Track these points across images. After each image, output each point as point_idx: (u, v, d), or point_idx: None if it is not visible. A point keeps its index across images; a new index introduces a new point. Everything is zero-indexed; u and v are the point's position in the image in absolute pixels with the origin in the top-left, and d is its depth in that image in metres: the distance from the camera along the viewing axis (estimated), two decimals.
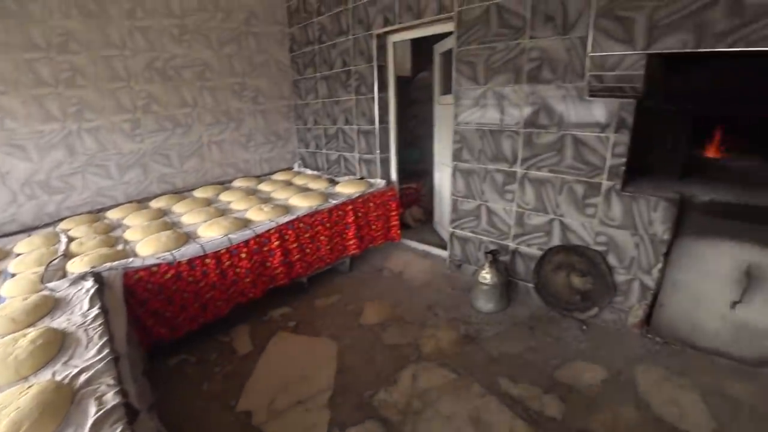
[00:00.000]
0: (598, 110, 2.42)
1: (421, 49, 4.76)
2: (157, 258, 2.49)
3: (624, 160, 2.38)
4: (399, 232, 3.80)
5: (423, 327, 2.80)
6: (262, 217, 3.14)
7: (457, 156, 3.09)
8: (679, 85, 2.50)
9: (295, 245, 3.13)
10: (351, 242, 3.47)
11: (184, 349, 2.65)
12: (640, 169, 2.66)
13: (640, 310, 2.57)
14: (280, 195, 3.70)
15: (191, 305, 2.62)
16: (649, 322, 2.60)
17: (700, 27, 2.02)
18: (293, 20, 4.52)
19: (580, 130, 2.50)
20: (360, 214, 3.51)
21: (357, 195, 3.51)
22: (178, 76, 3.92)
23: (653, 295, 2.53)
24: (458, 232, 3.25)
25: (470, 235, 3.17)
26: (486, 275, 2.84)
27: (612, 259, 2.57)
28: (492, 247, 3.06)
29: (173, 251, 2.57)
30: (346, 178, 4.00)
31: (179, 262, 2.54)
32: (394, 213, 3.73)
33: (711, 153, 2.79)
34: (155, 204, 3.70)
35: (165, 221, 3.17)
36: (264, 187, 4.08)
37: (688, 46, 2.06)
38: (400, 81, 5.11)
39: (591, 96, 2.39)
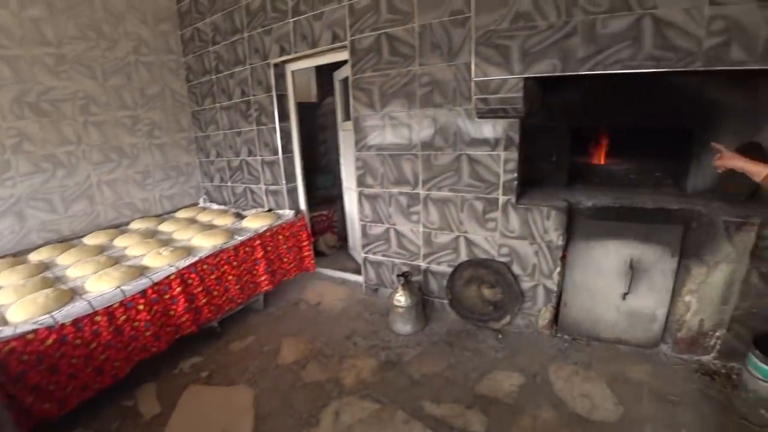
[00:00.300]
0: (488, 130, 2.52)
1: (327, 74, 4.74)
2: (33, 323, 2.11)
3: (515, 175, 2.50)
4: (313, 261, 3.66)
5: (343, 359, 2.67)
6: (160, 263, 2.83)
7: (361, 181, 3.05)
8: (557, 103, 2.70)
9: (200, 289, 2.86)
10: (262, 278, 3.26)
11: (80, 423, 2.26)
12: (532, 181, 2.81)
13: (548, 312, 2.68)
14: (183, 235, 3.39)
15: (82, 371, 2.24)
16: (557, 322, 2.72)
17: (565, 53, 2.19)
18: (188, 49, 4.27)
19: (473, 149, 2.59)
20: (269, 248, 3.33)
21: (265, 229, 3.32)
22: (57, 111, 3.46)
23: (557, 297, 2.65)
24: (371, 256, 3.20)
25: (382, 258, 3.13)
26: (400, 298, 2.80)
27: (516, 269, 2.67)
28: (404, 269, 3.04)
29: (54, 312, 2.20)
30: (254, 211, 3.80)
31: (62, 324, 2.17)
32: (306, 243, 3.59)
33: (595, 160, 3.05)
34: (35, 257, 3.19)
35: (46, 277, 2.73)
36: (165, 227, 3.72)
37: (557, 70, 2.22)
38: (307, 107, 5.06)
39: (479, 118, 2.49)
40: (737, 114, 2.43)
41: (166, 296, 2.68)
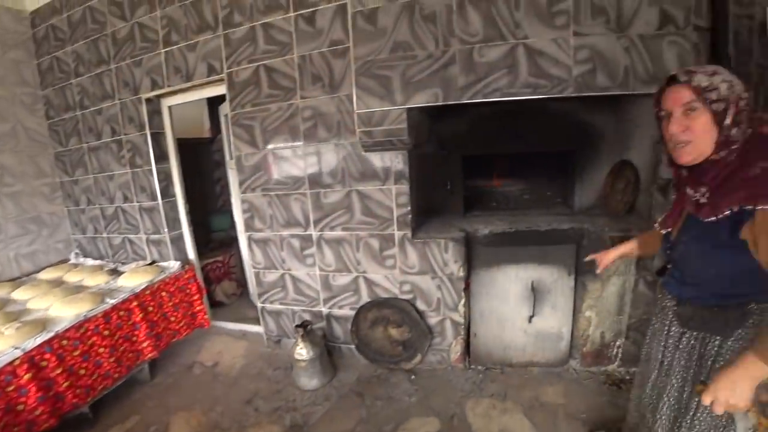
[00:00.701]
0: (376, 164, 2.36)
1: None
2: None
3: (408, 208, 2.35)
4: (207, 316, 3.21)
5: (242, 429, 2.29)
6: (2, 345, 2.25)
7: (249, 225, 2.73)
8: (447, 132, 2.62)
9: (59, 371, 2.32)
10: (145, 345, 2.76)
11: None
12: (429, 211, 2.69)
13: (458, 345, 2.54)
14: (40, 303, 2.78)
15: None
16: (469, 353, 2.59)
17: (445, 82, 2.10)
18: (46, 81, 3.64)
19: (363, 185, 2.40)
20: (151, 309, 2.84)
21: (144, 286, 2.83)
22: None
23: (466, 329, 2.52)
24: (268, 306, 2.86)
25: (281, 307, 2.81)
26: (301, 351, 2.49)
27: (421, 305, 2.50)
28: (305, 316, 2.74)
29: None
30: (134, 265, 3.27)
31: None
32: (196, 297, 3.14)
33: (490, 184, 3.03)
34: None
35: None
36: (20, 293, 3.05)
37: (439, 99, 2.11)
38: (200, 143, 4.60)
39: (366, 151, 2.31)
40: (609, 135, 2.51)
41: (11, 388, 2.13)
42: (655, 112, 1.24)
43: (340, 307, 2.66)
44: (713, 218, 1.07)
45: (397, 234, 2.41)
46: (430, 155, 2.60)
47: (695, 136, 1.09)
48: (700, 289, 1.19)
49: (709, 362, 1.17)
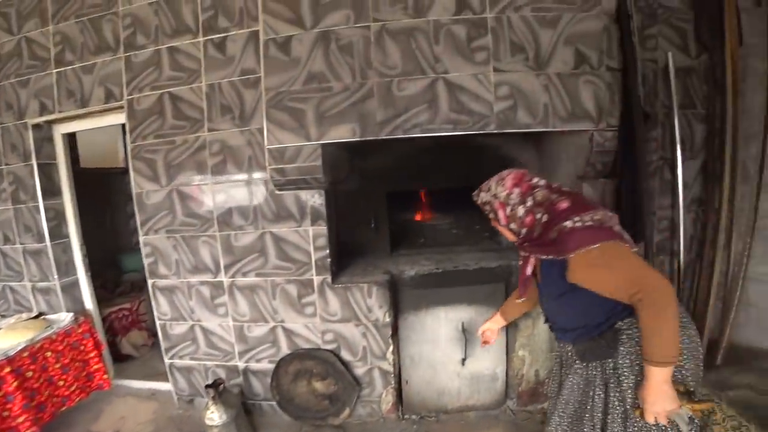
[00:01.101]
0: (291, 204, 2.11)
1: None
2: None
3: (327, 251, 2.11)
4: (108, 375, 2.71)
5: None
6: None
7: (153, 272, 2.35)
8: (370, 168, 2.44)
9: None
10: (21, 420, 2.24)
11: None
12: (353, 251, 2.48)
13: (389, 395, 2.31)
14: None
15: None
16: (402, 403, 2.36)
17: (363, 117, 1.92)
18: None
19: (277, 226, 2.14)
20: (31, 374, 2.34)
21: (21, 347, 2.34)
22: None
23: (396, 377, 2.30)
24: (177, 361, 2.47)
25: (192, 363, 2.44)
26: (213, 415, 2.13)
27: (346, 355, 2.25)
28: (219, 372, 2.39)
29: None
30: (12, 319, 2.73)
31: None
32: (93, 354, 2.64)
33: (418, 218, 2.87)
34: None
35: None
36: None
37: (356, 135, 1.93)
38: (113, 174, 4.09)
39: (279, 190, 2.07)
40: (532, 169, 2.45)
41: None
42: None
43: (258, 361, 2.34)
44: (529, 271, 1.41)
45: (316, 279, 2.16)
46: (352, 192, 2.40)
47: (500, 230, 1.47)
48: (574, 331, 1.35)
49: (613, 382, 1.27)
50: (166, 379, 2.61)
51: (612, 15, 1.96)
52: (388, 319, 2.15)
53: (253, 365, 2.35)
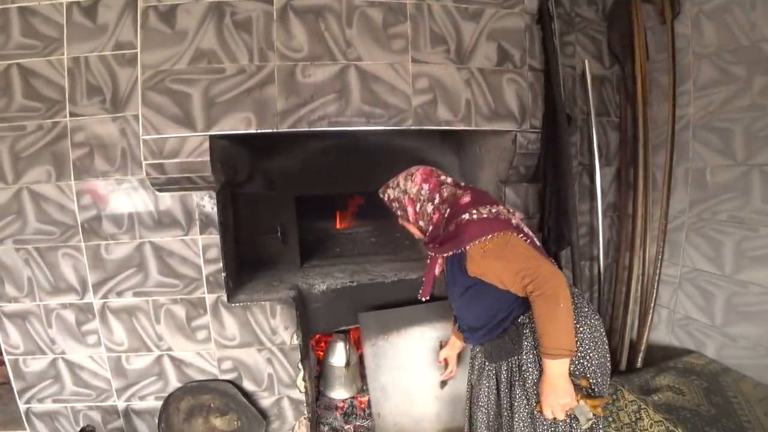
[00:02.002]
0: (175, 208, 1.66)
1: None
2: None
3: (221, 264, 1.69)
4: None
5: None
6: None
7: None
8: (276, 169, 2.05)
9: None
10: None
11: None
12: (258, 264, 2.07)
13: (303, 426, 1.92)
14: None
15: None
16: None
17: (261, 105, 1.54)
18: None
19: (159, 234, 1.68)
20: None
21: None
22: None
23: (310, 407, 1.92)
24: (36, 406, 1.88)
25: (56, 406, 1.86)
26: None
27: (249, 385, 1.82)
28: (93, 415, 1.84)
29: None
30: None
31: None
32: None
33: (332, 227, 2.53)
34: None
35: None
36: None
37: (252, 126, 1.54)
38: None
39: (159, 191, 1.63)
40: (454, 174, 2.23)
41: None
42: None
43: (142, 398, 1.83)
44: (437, 272, 1.34)
45: (209, 298, 1.72)
46: (255, 196, 2.00)
47: (407, 228, 1.38)
48: (480, 330, 1.27)
49: (518, 379, 1.21)
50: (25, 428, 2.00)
51: (534, 15, 1.79)
52: (296, 341, 1.77)
53: (136, 404, 1.83)
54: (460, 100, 1.67)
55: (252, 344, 1.76)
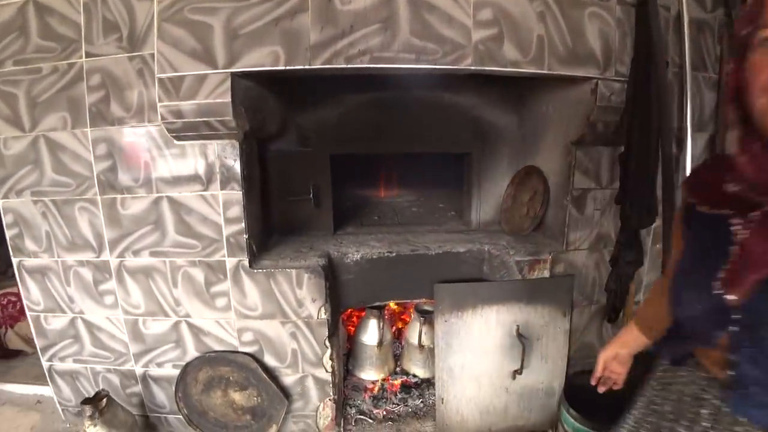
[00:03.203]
0: (193, 159, 1.42)
1: None
2: None
3: (243, 225, 1.44)
4: None
5: None
6: None
7: (17, 247, 1.61)
8: (311, 123, 1.77)
9: None
10: None
11: None
12: (286, 230, 1.81)
13: (327, 408, 1.68)
14: None
15: None
16: (345, 418, 1.75)
17: (291, 37, 1.24)
18: None
19: (177, 189, 1.44)
20: None
21: None
22: None
23: (337, 388, 1.68)
24: (58, 365, 1.76)
25: (77, 366, 1.72)
26: None
27: (270, 360, 1.60)
28: (112, 379, 1.69)
29: None
30: None
31: None
32: None
33: (371, 193, 2.24)
34: None
35: None
36: None
37: (281, 61, 1.26)
38: None
39: (177, 139, 1.39)
40: (512, 137, 1.85)
41: None
42: (743, 36, 0.54)
43: (160, 365, 1.66)
44: None
45: (229, 262, 1.48)
46: (286, 153, 1.73)
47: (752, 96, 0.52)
48: None
49: None
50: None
51: None
52: (324, 316, 1.52)
53: (154, 371, 1.66)
54: (531, 36, 1.30)
55: (275, 316, 1.52)
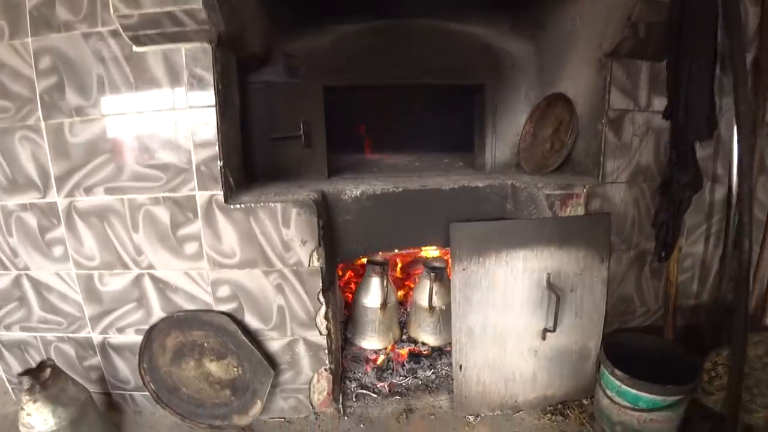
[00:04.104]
0: (157, 69, 1.16)
1: None
2: None
3: (216, 149, 1.17)
4: None
5: None
6: None
7: None
8: (302, 49, 1.51)
9: None
10: None
11: None
12: (273, 173, 1.53)
13: (323, 380, 1.40)
14: None
15: None
16: (345, 394, 1.46)
17: None
18: None
19: (135, 109, 1.17)
20: None
21: None
22: None
23: (333, 356, 1.40)
24: (3, 334, 1.45)
25: (24, 335, 1.43)
26: (30, 419, 1.17)
27: (252, 320, 1.31)
28: (65, 348, 1.39)
29: None
30: None
31: None
32: None
33: (364, 153, 1.98)
34: None
35: None
36: None
37: None
38: None
39: (134, 42, 1.12)
40: (529, 66, 1.60)
41: None
42: None
43: (120, 330, 1.37)
44: None
45: (200, 197, 1.20)
46: (272, 85, 1.47)
47: None
48: None
49: None
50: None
51: None
52: (317, 263, 1.24)
53: (114, 338, 1.37)
54: None
55: (257, 264, 1.23)
